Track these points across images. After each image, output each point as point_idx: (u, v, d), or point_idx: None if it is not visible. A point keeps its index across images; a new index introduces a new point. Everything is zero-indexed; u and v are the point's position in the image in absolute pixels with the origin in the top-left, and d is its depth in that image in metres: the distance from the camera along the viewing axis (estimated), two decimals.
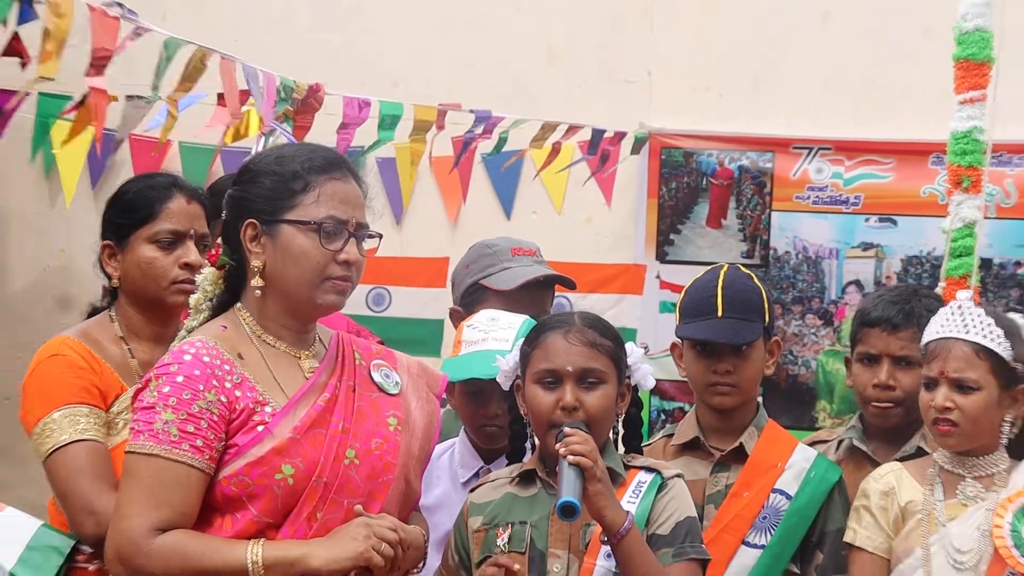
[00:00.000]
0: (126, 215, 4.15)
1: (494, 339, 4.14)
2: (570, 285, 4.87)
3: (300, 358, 3.58)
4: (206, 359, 3.42)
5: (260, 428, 3.41)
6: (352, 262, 3.50)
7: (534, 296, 4.73)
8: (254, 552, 3.28)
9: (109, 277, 4.17)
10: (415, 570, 3.64)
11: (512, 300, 4.67)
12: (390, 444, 3.56)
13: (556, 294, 4.97)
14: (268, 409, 3.44)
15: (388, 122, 6.48)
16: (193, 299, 3.71)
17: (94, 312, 4.27)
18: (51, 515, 3.95)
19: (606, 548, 3.47)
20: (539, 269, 4.82)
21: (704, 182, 8.09)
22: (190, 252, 4.08)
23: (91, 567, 3.81)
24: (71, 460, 3.79)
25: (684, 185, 8.13)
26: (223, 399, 3.40)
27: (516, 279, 4.70)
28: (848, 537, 3.93)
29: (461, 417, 4.28)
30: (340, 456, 3.46)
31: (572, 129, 7.18)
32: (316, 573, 3.31)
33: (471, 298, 4.83)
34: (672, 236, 8.16)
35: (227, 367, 3.45)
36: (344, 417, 3.51)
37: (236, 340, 3.53)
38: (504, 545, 3.59)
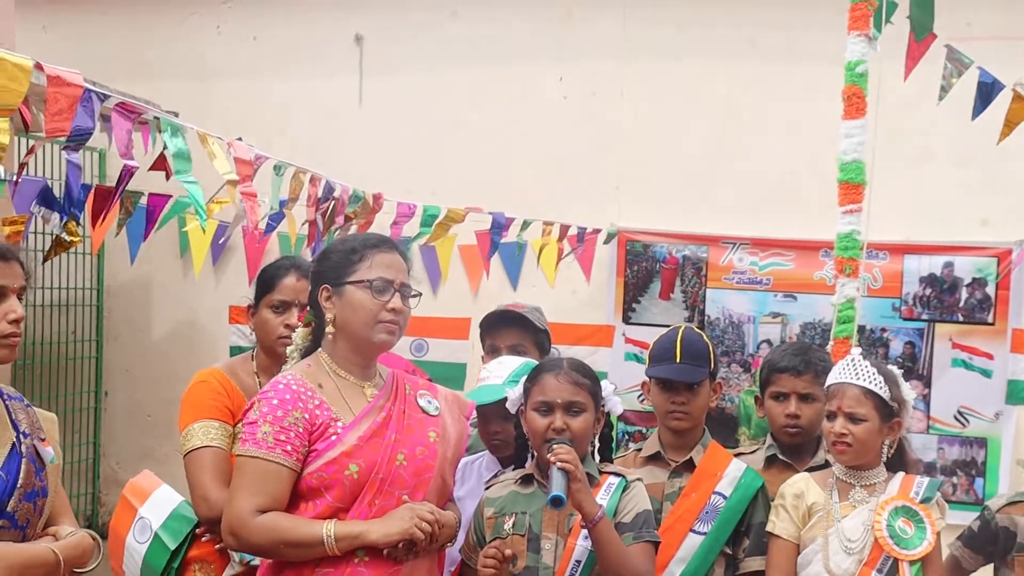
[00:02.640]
0: (258, 287, 4.26)
1: (495, 377, 4.20)
2: (526, 323, 4.87)
3: (364, 387, 3.59)
4: (294, 387, 3.48)
5: (333, 437, 3.44)
6: (398, 310, 3.53)
7: (501, 330, 4.83)
8: (328, 528, 3.33)
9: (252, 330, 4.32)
10: (449, 544, 3.64)
11: (490, 334, 4.87)
12: (430, 451, 3.57)
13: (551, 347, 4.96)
14: (339, 424, 3.46)
15: (426, 220, 6.49)
16: (288, 349, 3.84)
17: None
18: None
19: (584, 532, 3.48)
20: (499, 313, 4.95)
21: (657, 266, 8.08)
22: (292, 317, 4.11)
23: (205, 538, 3.85)
24: (199, 460, 3.85)
25: (643, 268, 8.12)
26: (306, 416, 3.44)
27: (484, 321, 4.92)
28: (769, 527, 3.94)
29: (480, 435, 4.28)
30: (392, 459, 3.47)
31: (564, 227, 7.20)
32: (374, 544, 3.34)
33: (482, 337, 4.97)
34: (634, 305, 8.14)
35: (309, 393, 3.48)
36: (396, 430, 3.53)
37: (317, 374, 3.57)
38: (510, 528, 3.62)
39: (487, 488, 3.85)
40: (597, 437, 3.78)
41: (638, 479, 3.75)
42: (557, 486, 3.38)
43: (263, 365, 4.20)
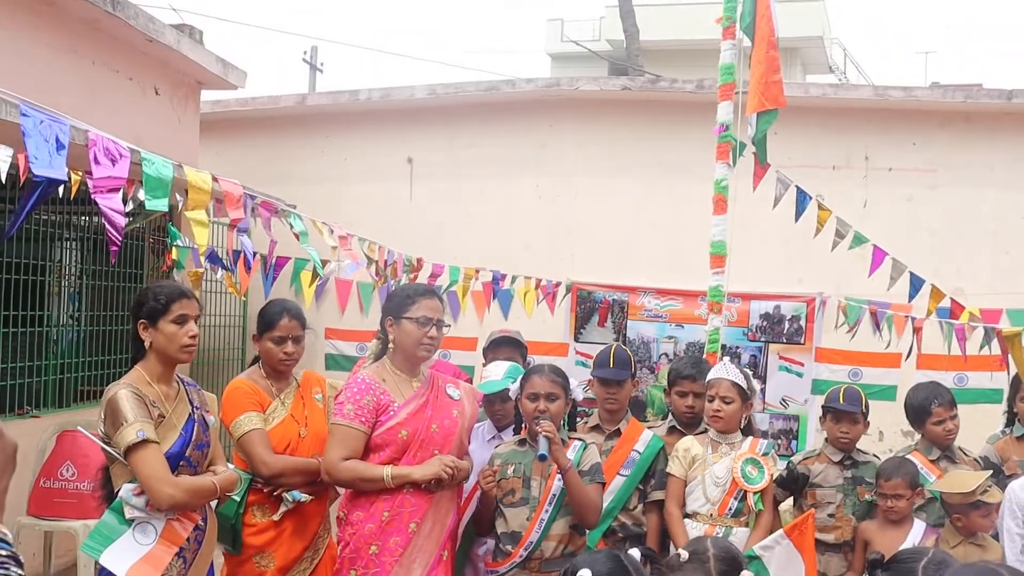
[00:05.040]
0: (261, 324, 3.87)
1: (495, 375, 4.19)
2: (520, 345, 4.83)
3: (412, 382, 3.61)
4: (368, 381, 3.52)
5: (391, 413, 3.48)
6: (434, 337, 3.56)
7: (500, 349, 4.72)
8: (387, 470, 3.40)
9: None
10: (464, 481, 3.65)
11: (492, 350, 4.74)
12: (453, 422, 3.60)
13: (527, 356, 4.94)
14: (395, 404, 3.50)
15: (451, 276, 6.50)
16: (367, 353, 3.96)
17: (253, 363, 3.99)
18: (235, 462, 3.76)
19: (559, 476, 3.48)
20: (499, 336, 4.85)
21: (597, 306, 8.07)
22: (288, 346, 3.80)
23: (265, 489, 3.70)
24: (253, 439, 3.67)
25: (587, 307, 8.08)
26: (375, 399, 3.47)
27: (489, 341, 4.84)
28: (668, 470, 3.95)
29: (485, 411, 4.25)
30: (429, 427, 3.51)
31: (537, 280, 7.20)
32: (416, 481, 3.40)
33: (484, 355, 4.86)
34: (581, 330, 8.10)
35: (377, 385, 3.51)
36: (432, 409, 3.56)
37: (382, 373, 3.59)
38: (511, 473, 3.60)
39: (496, 448, 3.82)
40: (567, 415, 3.74)
41: (593, 442, 3.74)
42: (543, 447, 3.38)
43: (270, 375, 3.85)
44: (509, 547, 3.52)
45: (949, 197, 7.88)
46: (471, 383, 4.41)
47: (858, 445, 4.24)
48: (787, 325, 7.79)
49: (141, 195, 3.59)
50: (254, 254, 5.21)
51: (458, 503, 3.70)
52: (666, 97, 8.33)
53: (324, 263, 5.28)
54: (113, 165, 2.73)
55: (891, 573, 2.53)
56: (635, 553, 2.32)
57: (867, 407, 4.20)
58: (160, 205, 2.98)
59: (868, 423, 4.24)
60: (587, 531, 3.65)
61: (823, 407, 4.27)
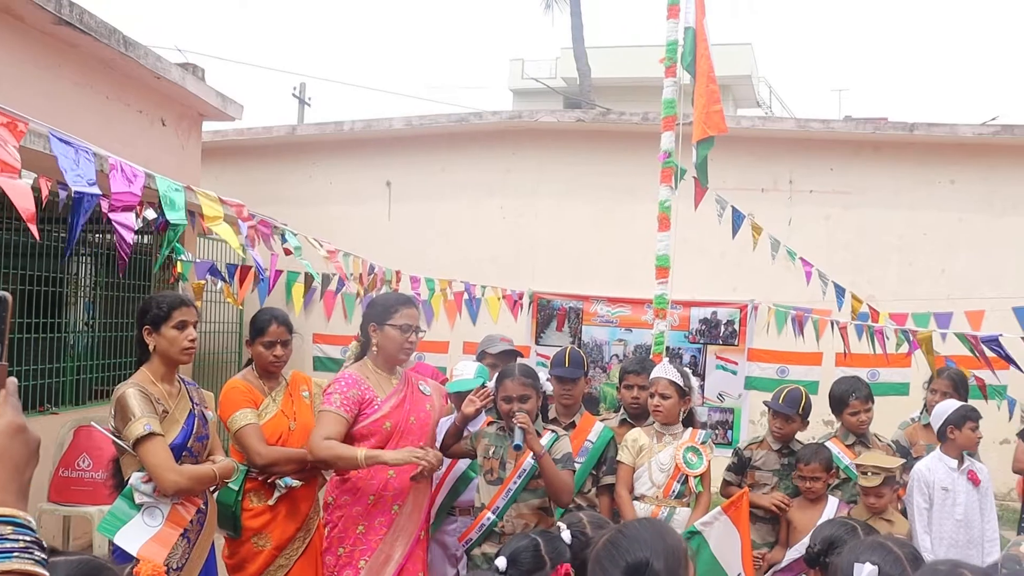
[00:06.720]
0: (253, 330, 3.77)
1: (465, 374, 4.15)
2: (518, 355, 4.79)
3: (391, 379, 3.57)
4: (354, 377, 3.49)
5: (376, 407, 3.45)
6: (413, 342, 3.53)
7: (503, 357, 4.59)
8: (361, 452, 3.33)
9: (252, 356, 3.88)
10: (437, 470, 3.58)
11: (496, 359, 4.60)
12: (427, 415, 3.59)
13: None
14: (379, 400, 3.47)
15: (427, 287, 6.49)
16: (347, 354, 3.85)
17: (246, 365, 3.90)
18: (232, 454, 3.70)
19: (530, 457, 3.46)
20: (505, 346, 4.74)
21: (555, 313, 8.12)
22: (277, 349, 3.70)
23: (260, 477, 3.66)
24: (249, 432, 3.60)
25: (547, 314, 8.15)
26: (359, 393, 3.44)
27: (498, 349, 4.66)
28: (618, 458, 3.92)
29: (454, 404, 4.17)
30: (407, 419, 3.49)
31: (503, 290, 7.20)
32: (386, 463, 3.35)
33: (479, 357, 4.74)
34: (541, 334, 8.16)
35: (362, 381, 3.48)
36: (409, 403, 3.54)
37: (365, 371, 3.55)
38: (491, 454, 3.58)
39: (483, 427, 3.75)
40: (539, 408, 3.65)
41: (565, 434, 3.69)
42: (518, 438, 3.37)
43: (262, 375, 3.78)
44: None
45: (861, 216, 8.05)
46: (446, 383, 4.40)
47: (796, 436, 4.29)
48: (723, 329, 7.88)
49: (149, 214, 3.57)
50: (264, 270, 5.18)
51: (431, 490, 3.69)
52: (615, 128, 8.42)
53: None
54: (130, 185, 2.73)
55: (837, 556, 2.28)
56: (566, 535, 2.25)
57: (805, 409, 4.21)
58: (179, 218, 2.96)
59: (807, 422, 4.25)
60: (554, 513, 3.59)
61: (767, 403, 4.30)
